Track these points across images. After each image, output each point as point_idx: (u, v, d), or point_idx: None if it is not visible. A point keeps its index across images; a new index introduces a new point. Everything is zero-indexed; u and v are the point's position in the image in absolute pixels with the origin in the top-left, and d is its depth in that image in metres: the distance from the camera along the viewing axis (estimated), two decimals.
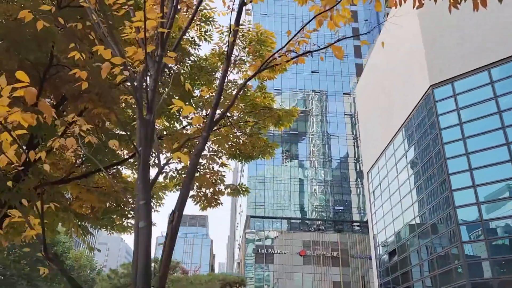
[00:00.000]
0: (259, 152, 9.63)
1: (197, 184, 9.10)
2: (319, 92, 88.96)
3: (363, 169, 56.16)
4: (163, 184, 10.30)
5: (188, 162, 4.20)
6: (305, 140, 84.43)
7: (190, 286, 21.62)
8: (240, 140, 9.67)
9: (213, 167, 8.93)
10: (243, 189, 9.18)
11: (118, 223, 10.40)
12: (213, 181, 9.06)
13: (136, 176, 11.09)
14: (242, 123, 9.51)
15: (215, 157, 8.78)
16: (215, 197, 9.13)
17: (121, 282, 20.84)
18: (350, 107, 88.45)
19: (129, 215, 10.56)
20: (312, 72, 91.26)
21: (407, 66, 40.38)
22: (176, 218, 4.22)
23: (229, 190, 9.16)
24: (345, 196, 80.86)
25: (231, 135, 9.62)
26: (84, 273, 65.98)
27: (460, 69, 33.86)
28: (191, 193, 9.25)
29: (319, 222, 77.86)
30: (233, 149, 9.62)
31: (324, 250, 71.54)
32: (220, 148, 8.94)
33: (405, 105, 40.56)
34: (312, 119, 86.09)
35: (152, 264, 24.60)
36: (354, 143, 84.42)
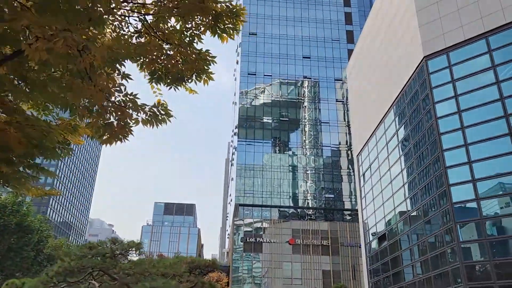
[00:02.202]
0: (192, 70, 6.98)
1: (96, 107, 6.47)
2: (310, 78, 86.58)
3: (353, 152, 53.84)
4: (72, 123, 7.57)
5: None
6: (296, 128, 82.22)
7: (151, 269, 19.01)
8: (167, 55, 7.02)
9: (113, 77, 6.27)
10: (162, 111, 6.54)
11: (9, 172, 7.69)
12: (119, 102, 6.43)
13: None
14: (165, 27, 6.86)
15: (115, 64, 6.12)
16: (124, 126, 6.49)
17: (72, 265, 18.19)
18: (342, 94, 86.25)
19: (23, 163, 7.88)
20: (303, 57, 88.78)
21: (400, 39, 37.85)
22: None
23: (143, 115, 6.51)
24: (336, 184, 78.99)
25: (154, 47, 6.96)
26: None
27: (456, 38, 31.40)
28: (87, 120, 6.64)
29: (309, 210, 76.04)
30: (154, 66, 6.96)
31: (314, 238, 69.85)
32: (123, 51, 6.24)
33: (397, 80, 38.09)
34: (304, 106, 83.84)
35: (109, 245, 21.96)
36: (346, 130, 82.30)
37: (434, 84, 31.65)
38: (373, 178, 43.19)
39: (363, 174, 46.48)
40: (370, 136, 44.26)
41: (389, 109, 39.68)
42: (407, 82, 35.83)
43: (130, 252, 21.27)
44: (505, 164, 26.69)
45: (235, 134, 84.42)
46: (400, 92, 37.14)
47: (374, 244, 43.22)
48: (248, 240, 69.22)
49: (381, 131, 41.59)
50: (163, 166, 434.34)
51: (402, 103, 36.88)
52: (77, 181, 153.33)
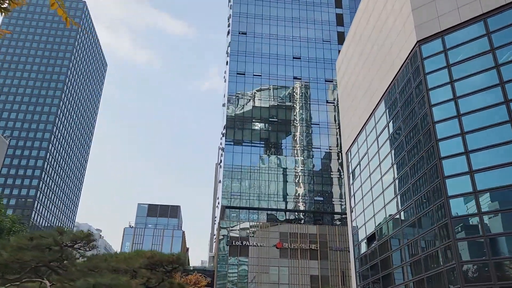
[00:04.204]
0: None
1: None
2: (300, 79, 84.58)
3: (342, 149, 51.36)
4: None
5: None
6: (286, 129, 79.83)
7: (101, 264, 16.19)
8: None
9: None
10: None
11: None
12: None
13: None
14: None
15: None
16: None
17: (5, 258, 15.31)
18: (333, 95, 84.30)
19: None
20: (294, 58, 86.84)
21: (392, 25, 35.58)
22: None
23: None
24: (325, 187, 76.57)
25: None
26: None
27: (452, 21, 29.14)
28: None
29: (297, 213, 73.56)
30: None
31: (302, 242, 67.38)
32: None
33: (388, 70, 35.75)
34: (294, 107, 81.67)
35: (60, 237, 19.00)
36: (337, 132, 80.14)
37: (428, 69, 29.32)
38: (362, 175, 40.68)
39: (352, 172, 43.96)
40: (360, 130, 41.83)
41: (379, 100, 37.29)
42: (399, 70, 33.48)
43: (80, 244, 18.42)
44: (506, 153, 24.28)
45: (223, 135, 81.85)
46: (392, 81, 34.77)
47: (363, 245, 40.58)
48: (234, 244, 66.56)
49: (371, 125, 39.18)
50: (155, 170, 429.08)
51: (394, 93, 34.50)
52: (63, 183, 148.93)
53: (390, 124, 35.03)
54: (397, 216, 33.01)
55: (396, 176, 33.30)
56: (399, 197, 32.82)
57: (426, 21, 30.48)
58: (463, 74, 27.57)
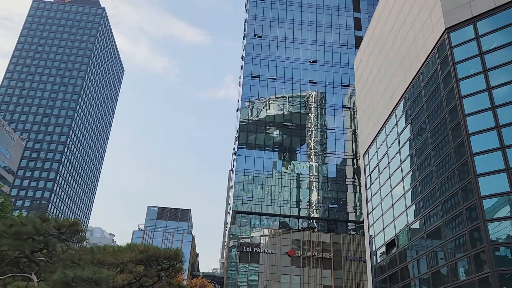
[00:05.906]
0: None
1: None
2: (316, 83, 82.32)
3: (360, 151, 48.63)
4: None
5: None
6: (300, 134, 77.41)
7: (86, 256, 14.12)
8: None
9: None
10: None
11: None
12: None
13: None
14: None
15: None
16: None
17: None
18: (349, 101, 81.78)
19: None
20: (310, 61, 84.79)
21: (417, 15, 33.11)
22: None
23: None
24: (340, 194, 73.61)
25: None
26: None
27: (485, 6, 26.60)
28: None
29: (310, 220, 70.79)
30: None
31: (315, 250, 64.65)
32: None
33: (412, 63, 33.20)
34: (309, 111, 79.34)
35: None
36: (352, 138, 77.42)
37: (457, 58, 26.74)
38: (381, 178, 37.91)
39: (370, 174, 41.19)
40: (379, 130, 39.17)
41: (402, 96, 34.68)
42: (424, 61, 30.91)
43: (67, 234, 16.44)
44: None
45: (236, 139, 79.93)
46: (416, 74, 32.19)
47: (381, 253, 37.65)
48: (244, 250, 64.17)
49: (392, 123, 36.52)
50: (169, 177, 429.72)
51: (418, 87, 31.88)
52: (77, 187, 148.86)
53: (414, 120, 32.36)
54: (421, 219, 30.17)
55: (419, 176, 30.53)
56: (423, 199, 30.02)
57: (456, 7, 28.00)
58: (498, 63, 24.95)
